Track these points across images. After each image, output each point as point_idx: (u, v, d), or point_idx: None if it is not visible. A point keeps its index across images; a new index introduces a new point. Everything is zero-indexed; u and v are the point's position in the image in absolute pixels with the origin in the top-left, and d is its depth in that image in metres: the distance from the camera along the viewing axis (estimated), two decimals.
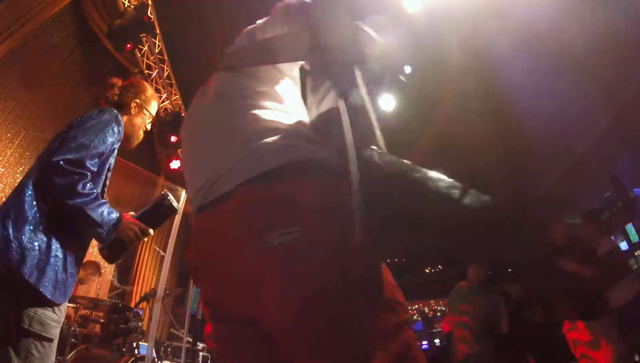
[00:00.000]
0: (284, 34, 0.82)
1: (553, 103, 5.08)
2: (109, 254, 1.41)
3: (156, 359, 3.57)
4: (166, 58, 5.38)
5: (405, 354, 0.62)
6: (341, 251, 0.65)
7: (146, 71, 5.25)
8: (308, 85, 0.88)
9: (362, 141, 0.68)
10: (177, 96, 5.78)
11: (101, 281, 5.44)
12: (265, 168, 0.70)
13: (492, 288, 3.99)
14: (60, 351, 2.81)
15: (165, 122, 5.59)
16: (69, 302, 3.01)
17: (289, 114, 0.83)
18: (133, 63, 5.18)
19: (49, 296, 1.20)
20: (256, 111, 0.79)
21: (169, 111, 5.71)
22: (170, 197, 1.55)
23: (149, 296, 3.82)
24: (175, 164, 5.75)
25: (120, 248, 1.40)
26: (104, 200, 1.33)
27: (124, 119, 1.51)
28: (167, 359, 4.38)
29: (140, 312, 3.88)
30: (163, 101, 5.64)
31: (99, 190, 1.39)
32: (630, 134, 5.32)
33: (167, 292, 3.89)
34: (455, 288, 3.83)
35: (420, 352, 0.67)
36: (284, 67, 0.89)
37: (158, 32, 5.03)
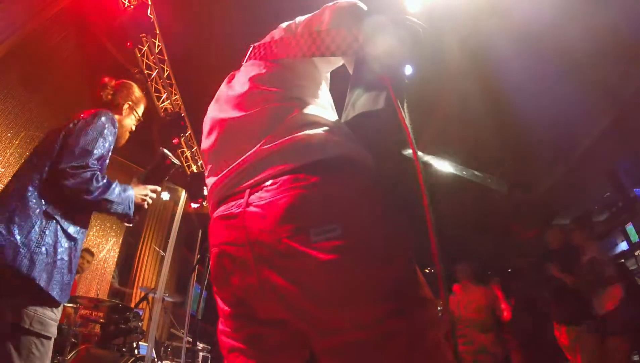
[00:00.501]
0: (332, 30, 0.79)
1: (553, 103, 5.08)
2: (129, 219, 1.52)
3: (156, 359, 3.57)
4: (166, 58, 5.38)
5: (433, 351, 0.62)
6: (383, 249, 0.64)
7: (146, 71, 5.25)
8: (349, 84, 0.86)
9: (406, 142, 0.68)
10: (177, 96, 5.78)
11: (101, 281, 5.45)
12: (308, 160, 0.68)
13: (487, 280, 4.01)
14: (60, 351, 2.81)
15: (166, 123, 5.59)
16: (68, 302, 3.02)
17: (326, 110, 0.81)
18: (133, 63, 5.17)
19: (57, 298, 1.26)
20: (295, 103, 0.78)
21: (169, 111, 5.71)
22: (169, 154, 1.61)
23: (148, 294, 3.82)
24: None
25: (137, 210, 1.52)
26: (115, 182, 1.40)
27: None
28: (167, 359, 4.38)
29: (140, 312, 3.88)
30: (163, 101, 5.64)
31: None
32: (630, 134, 5.32)
33: (166, 294, 3.89)
34: (451, 293, 3.84)
35: (446, 347, 0.67)
36: (322, 66, 0.88)
37: (158, 32, 5.03)
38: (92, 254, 3.84)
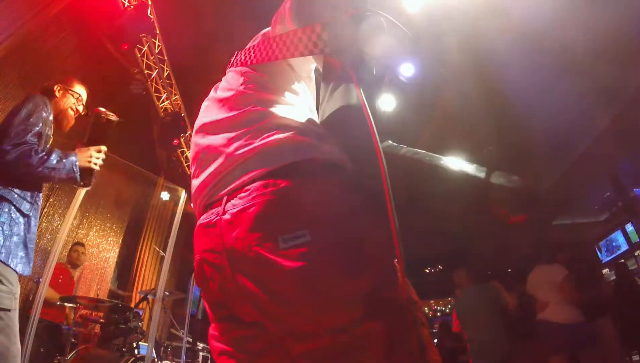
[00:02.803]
0: (297, 30, 0.79)
1: (553, 103, 5.08)
2: (83, 183, 1.60)
3: (156, 359, 3.57)
4: (166, 58, 5.37)
5: (417, 354, 0.62)
6: (357, 253, 0.63)
7: (146, 71, 5.24)
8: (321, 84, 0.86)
9: (382, 136, 0.67)
10: (177, 96, 5.77)
11: (101, 281, 5.44)
12: (279, 164, 0.68)
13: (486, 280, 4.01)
14: (61, 351, 2.81)
15: (165, 123, 5.59)
16: (68, 302, 3.02)
17: (301, 112, 0.82)
18: (133, 63, 5.17)
19: (19, 271, 1.40)
20: (267, 107, 0.78)
21: (169, 111, 5.71)
22: (104, 112, 1.65)
23: (148, 295, 3.82)
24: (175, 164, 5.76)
25: (89, 173, 1.61)
26: (55, 150, 1.48)
27: (51, 103, 1.68)
28: (167, 359, 4.38)
29: (140, 312, 3.88)
30: (163, 101, 5.64)
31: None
32: (630, 134, 5.32)
33: (167, 293, 3.89)
34: (456, 300, 3.86)
35: (433, 349, 0.66)
36: (297, 65, 0.88)
37: (158, 32, 5.03)
38: (83, 245, 3.84)
